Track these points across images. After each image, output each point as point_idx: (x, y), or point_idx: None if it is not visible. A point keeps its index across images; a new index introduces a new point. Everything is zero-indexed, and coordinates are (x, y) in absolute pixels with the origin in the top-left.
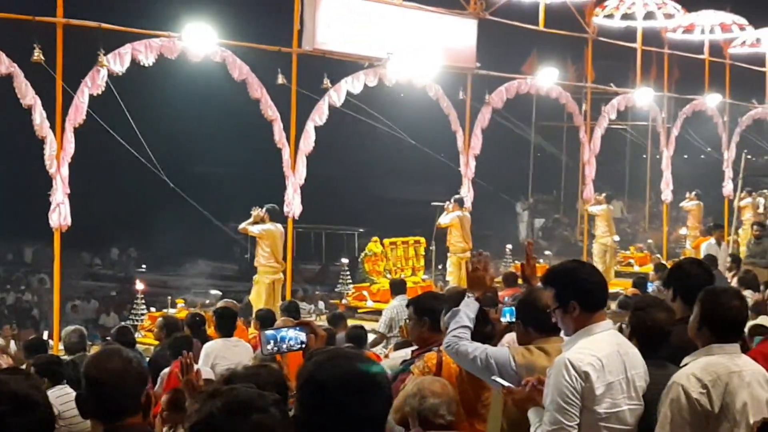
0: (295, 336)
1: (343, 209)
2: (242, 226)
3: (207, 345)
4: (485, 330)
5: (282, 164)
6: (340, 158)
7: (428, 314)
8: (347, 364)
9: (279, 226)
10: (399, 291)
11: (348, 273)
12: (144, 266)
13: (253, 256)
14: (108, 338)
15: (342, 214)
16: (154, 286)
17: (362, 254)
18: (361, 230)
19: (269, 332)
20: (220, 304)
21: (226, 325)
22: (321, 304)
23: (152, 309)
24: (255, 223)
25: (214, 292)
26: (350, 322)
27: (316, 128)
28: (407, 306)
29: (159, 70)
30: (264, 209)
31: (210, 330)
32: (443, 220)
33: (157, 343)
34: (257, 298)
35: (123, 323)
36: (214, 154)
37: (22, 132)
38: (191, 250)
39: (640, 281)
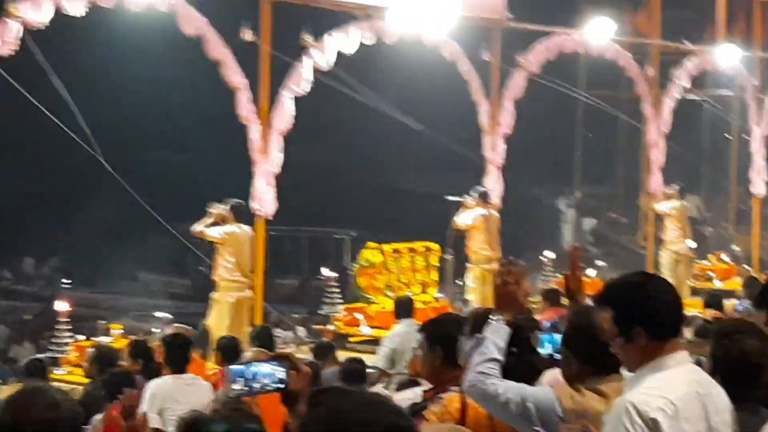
0: (270, 372)
1: (330, 206)
2: (198, 227)
3: (153, 383)
4: (525, 362)
5: (249, 147)
6: (327, 140)
7: (444, 343)
8: (383, 415)
9: (246, 228)
10: (405, 313)
11: (337, 290)
12: (69, 281)
13: (212, 267)
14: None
15: (329, 213)
16: (82, 306)
17: (355, 265)
18: (354, 233)
19: (236, 367)
20: (168, 330)
21: (178, 357)
22: (301, 331)
23: (80, 337)
24: (215, 224)
25: (160, 314)
26: (341, 355)
27: (297, 101)
28: (418, 332)
29: (93, 23)
30: (227, 206)
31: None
32: (462, 219)
33: (87, 380)
34: (218, 323)
35: (38, 356)
36: (165, 135)
37: None
38: (131, 259)
39: (721, 299)
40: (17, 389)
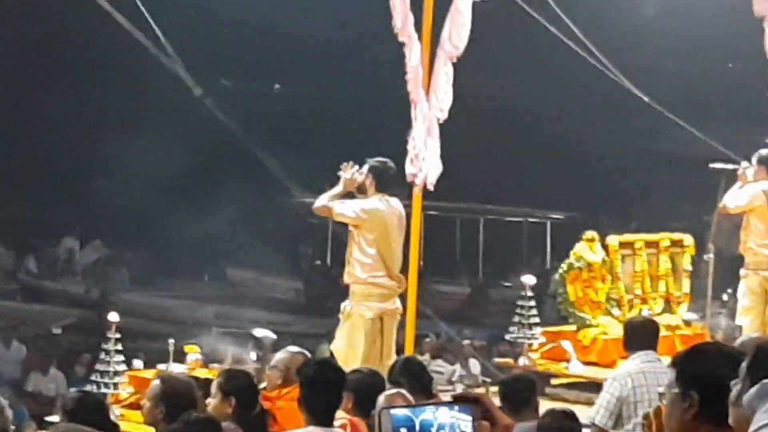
0: (451, 422)
1: (521, 174)
2: (322, 201)
3: None
4: None
5: (404, 80)
6: (516, 74)
7: (703, 388)
8: None
9: (396, 203)
10: (641, 343)
11: (532, 303)
12: (120, 278)
13: (341, 262)
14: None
15: (519, 184)
16: (139, 316)
17: (562, 266)
18: (559, 216)
19: (398, 413)
20: (278, 357)
21: (316, 401)
22: (475, 365)
23: (137, 363)
24: (346, 195)
25: (261, 332)
26: (541, 404)
27: (474, 11)
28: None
29: None
30: (366, 168)
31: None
32: (733, 199)
33: (149, 429)
34: (349, 348)
35: (84, 389)
36: (270, 61)
37: None
38: (214, 246)
39: None
40: None
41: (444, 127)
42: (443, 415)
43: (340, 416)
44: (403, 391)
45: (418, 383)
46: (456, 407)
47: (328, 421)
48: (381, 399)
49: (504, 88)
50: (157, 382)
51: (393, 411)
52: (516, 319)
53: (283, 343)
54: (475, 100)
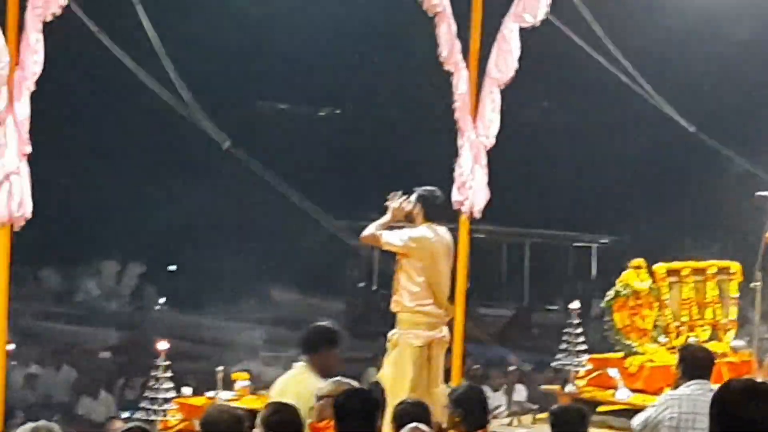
0: None
1: (567, 197)
2: (369, 230)
3: None
4: None
5: (451, 108)
6: (562, 100)
7: (749, 425)
8: None
9: (443, 232)
10: (698, 372)
11: (579, 329)
12: (164, 299)
13: (385, 285)
14: None
15: (564, 208)
16: (186, 338)
17: (609, 294)
18: (605, 241)
19: None
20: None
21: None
22: (521, 391)
23: (185, 389)
24: (396, 225)
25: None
26: None
27: (523, 39)
28: (712, 406)
29: None
30: (414, 197)
31: None
32: None
33: None
34: (397, 377)
35: (133, 425)
36: (311, 86)
37: None
38: (261, 269)
39: None
40: None
41: (490, 152)
42: None
43: None
44: (423, 426)
45: (474, 413)
46: None
47: None
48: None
49: (549, 112)
50: (208, 414)
51: None
52: (563, 345)
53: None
54: (522, 125)
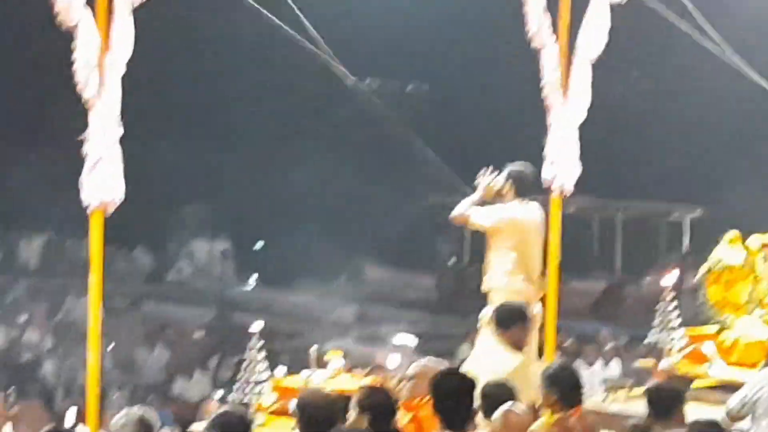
0: None
1: (658, 169)
2: (460, 209)
3: None
4: None
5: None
6: (650, 75)
7: None
8: None
9: (535, 208)
10: None
11: (674, 304)
12: (256, 277)
13: (477, 260)
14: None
15: (656, 180)
16: (279, 315)
17: (703, 268)
18: (698, 213)
19: None
20: (416, 367)
21: (449, 409)
22: (616, 366)
23: (279, 369)
24: (485, 202)
25: (401, 338)
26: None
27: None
28: None
29: None
30: (505, 174)
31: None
32: None
33: None
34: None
35: (227, 408)
36: (396, 62)
37: None
38: (353, 246)
39: None
40: None
41: (580, 126)
42: None
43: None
44: (516, 408)
45: (570, 390)
46: None
47: (462, 429)
48: (497, 414)
49: (639, 84)
50: (302, 398)
51: None
52: (656, 320)
53: (422, 345)
54: (611, 98)
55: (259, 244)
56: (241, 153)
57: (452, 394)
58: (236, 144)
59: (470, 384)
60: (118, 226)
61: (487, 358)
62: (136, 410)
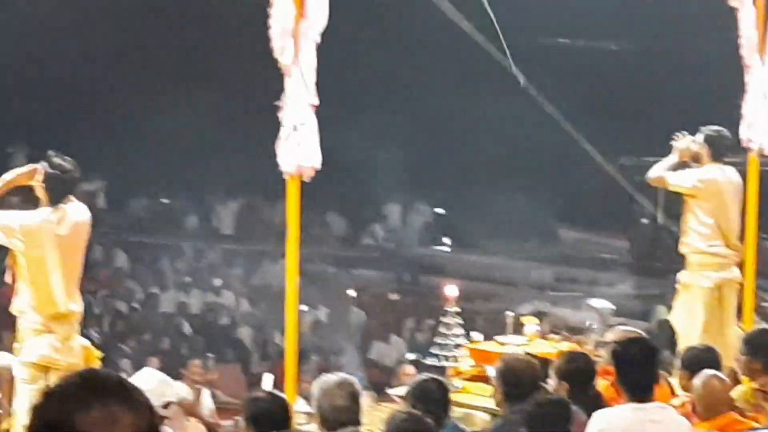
0: None
1: None
2: (656, 172)
3: (600, 417)
4: None
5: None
6: None
7: None
8: None
9: (731, 172)
10: None
11: None
12: (449, 240)
13: (672, 227)
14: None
15: None
16: (473, 278)
17: None
18: None
19: None
20: (610, 334)
21: (632, 377)
22: None
23: (475, 334)
24: (681, 165)
25: (598, 302)
26: None
27: None
28: None
29: None
30: (701, 137)
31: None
32: None
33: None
34: (688, 320)
35: (425, 377)
36: (586, 21)
37: None
38: (547, 208)
39: None
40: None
41: None
42: None
43: (682, 393)
44: (719, 374)
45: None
46: None
47: (645, 398)
48: (699, 379)
49: None
50: (502, 363)
51: None
52: None
53: (618, 307)
54: None
55: (439, 210)
56: (433, 118)
57: (635, 362)
58: (428, 109)
59: (653, 351)
60: (312, 190)
61: (685, 321)
62: (336, 376)
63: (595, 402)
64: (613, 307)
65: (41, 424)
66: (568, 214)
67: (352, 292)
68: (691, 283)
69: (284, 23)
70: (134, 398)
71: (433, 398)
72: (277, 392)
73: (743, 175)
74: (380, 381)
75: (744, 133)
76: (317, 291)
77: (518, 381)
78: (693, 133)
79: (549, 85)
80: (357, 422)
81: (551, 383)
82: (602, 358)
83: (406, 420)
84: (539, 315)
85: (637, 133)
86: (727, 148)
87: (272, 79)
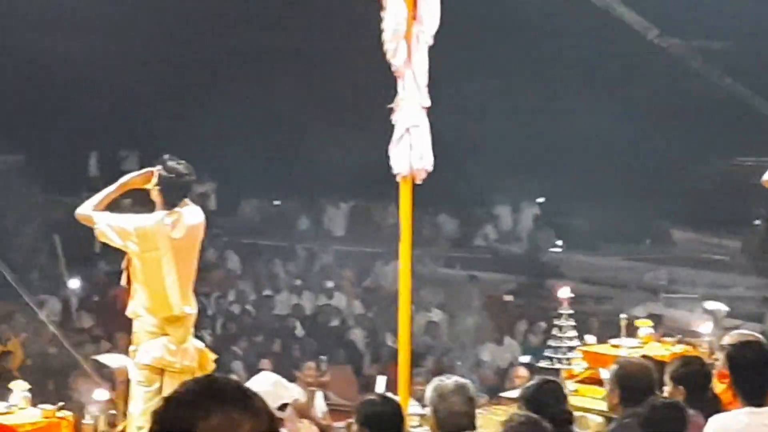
0: None
1: None
2: None
3: (717, 422)
4: None
5: None
6: None
7: None
8: None
9: None
10: None
11: None
12: (561, 241)
13: None
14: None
15: None
16: (586, 281)
17: None
18: None
19: None
20: (727, 337)
21: (748, 381)
22: None
23: (588, 337)
24: None
25: (713, 305)
26: None
27: None
28: None
29: None
30: None
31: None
32: None
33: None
34: None
35: (545, 377)
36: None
37: None
38: (659, 209)
39: None
40: None
41: None
42: None
43: None
44: None
45: None
46: None
47: (761, 402)
48: None
49: None
50: (616, 366)
51: None
52: None
53: (731, 309)
54: None
55: (539, 198)
56: (548, 123)
57: (750, 366)
58: (544, 113)
59: (766, 357)
60: (423, 192)
61: None
62: (452, 380)
63: (714, 405)
64: (728, 309)
65: (162, 431)
66: (682, 215)
67: (464, 294)
68: None
69: (397, 26)
70: (254, 404)
71: (546, 398)
72: (389, 395)
73: None
74: (493, 383)
75: None
76: (429, 293)
77: (633, 384)
78: None
79: (663, 85)
80: (473, 426)
81: (667, 387)
82: (719, 361)
83: (524, 423)
84: (653, 317)
85: (756, 134)
86: None
87: (384, 81)
